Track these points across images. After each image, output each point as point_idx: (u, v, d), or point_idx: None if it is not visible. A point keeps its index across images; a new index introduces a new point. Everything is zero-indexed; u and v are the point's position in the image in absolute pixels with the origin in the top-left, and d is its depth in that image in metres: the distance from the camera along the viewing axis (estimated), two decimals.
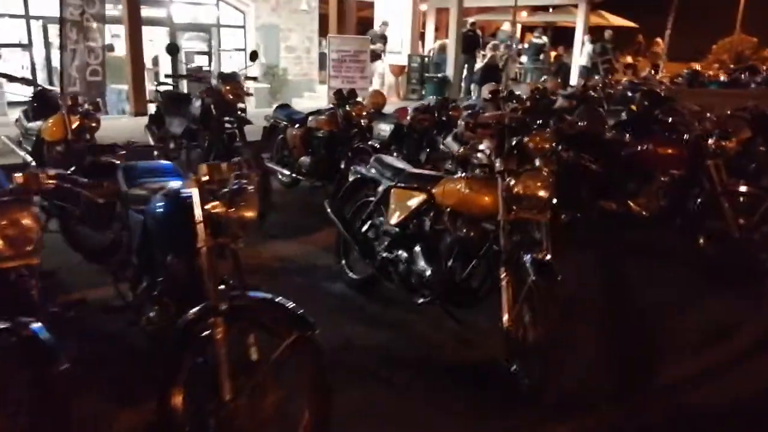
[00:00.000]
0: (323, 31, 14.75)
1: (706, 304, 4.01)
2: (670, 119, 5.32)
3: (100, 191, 2.43)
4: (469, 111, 5.99)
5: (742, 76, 19.70)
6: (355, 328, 3.50)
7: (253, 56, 6.07)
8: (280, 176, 6.30)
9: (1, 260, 2.04)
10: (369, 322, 3.61)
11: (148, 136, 6.35)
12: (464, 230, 3.15)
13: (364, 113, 5.76)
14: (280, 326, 2.17)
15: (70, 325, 2.44)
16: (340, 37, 13.02)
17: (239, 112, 5.37)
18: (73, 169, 3.46)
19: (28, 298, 2.16)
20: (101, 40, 9.13)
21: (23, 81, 5.38)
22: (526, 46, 19.01)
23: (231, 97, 5.18)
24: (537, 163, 3.58)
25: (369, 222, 3.87)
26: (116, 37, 10.99)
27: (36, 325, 1.96)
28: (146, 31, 10.31)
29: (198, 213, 2.20)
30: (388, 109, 6.88)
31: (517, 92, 8.18)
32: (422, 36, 18.04)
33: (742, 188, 4.42)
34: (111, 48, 10.63)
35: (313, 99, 12.83)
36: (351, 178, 4.12)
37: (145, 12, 10.45)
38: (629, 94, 9.22)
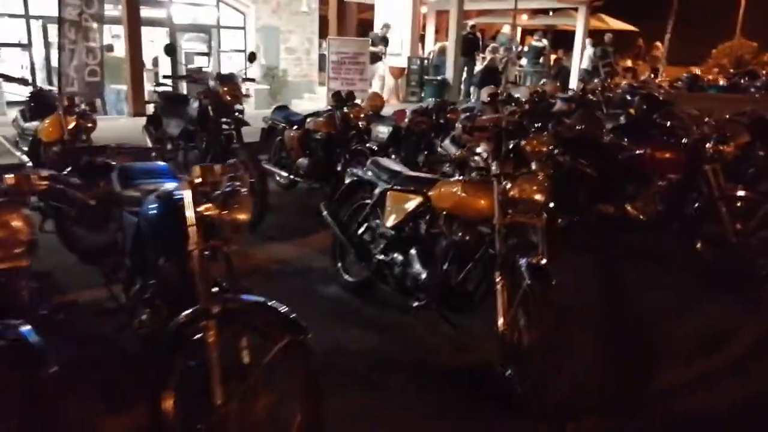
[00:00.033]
0: (323, 32, 14.77)
1: (703, 308, 4.00)
2: (668, 123, 5.30)
3: (93, 192, 2.42)
4: (467, 114, 5.97)
5: (742, 80, 19.66)
6: (350, 332, 3.49)
7: (252, 58, 6.06)
8: (277, 178, 6.30)
9: None
10: (364, 325, 3.60)
11: (146, 137, 6.34)
12: (460, 233, 3.14)
13: (362, 115, 5.77)
14: (272, 330, 2.15)
15: (60, 328, 2.42)
16: (339, 39, 13.03)
17: (237, 114, 5.36)
18: (69, 169, 3.44)
19: (18, 300, 2.14)
20: (100, 41, 9.12)
21: (20, 81, 5.35)
22: (525, 49, 18.99)
23: (228, 98, 5.16)
24: (533, 166, 3.57)
25: (365, 225, 3.86)
26: (116, 37, 10.98)
27: (25, 328, 1.93)
28: (146, 31, 10.32)
29: (190, 215, 2.18)
30: (387, 111, 6.87)
31: (516, 95, 8.17)
32: (422, 38, 18.05)
33: (740, 193, 4.41)
34: (110, 48, 10.62)
35: (313, 100, 12.83)
36: (347, 181, 4.11)
37: (145, 12, 10.46)
38: (628, 97, 9.16)
